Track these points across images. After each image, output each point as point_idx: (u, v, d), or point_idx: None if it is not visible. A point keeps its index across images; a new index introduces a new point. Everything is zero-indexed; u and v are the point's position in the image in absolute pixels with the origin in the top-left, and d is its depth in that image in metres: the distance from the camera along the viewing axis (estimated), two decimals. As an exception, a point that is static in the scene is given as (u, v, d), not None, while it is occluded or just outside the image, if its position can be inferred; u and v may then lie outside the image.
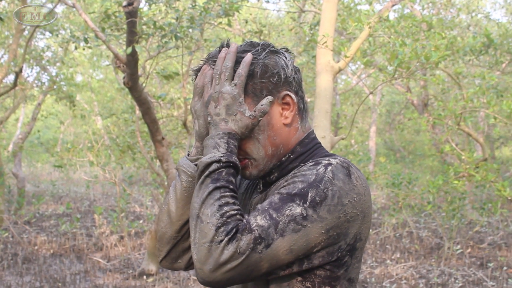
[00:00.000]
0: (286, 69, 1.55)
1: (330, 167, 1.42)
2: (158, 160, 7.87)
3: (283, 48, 1.60)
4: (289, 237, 1.35)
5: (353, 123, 6.74)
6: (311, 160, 1.52)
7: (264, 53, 1.54)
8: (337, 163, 1.44)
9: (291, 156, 1.56)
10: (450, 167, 8.40)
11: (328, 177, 1.40)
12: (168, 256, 1.65)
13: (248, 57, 1.51)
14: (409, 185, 9.65)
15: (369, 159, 15.20)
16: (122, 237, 9.22)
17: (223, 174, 1.41)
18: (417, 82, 12.60)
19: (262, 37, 8.45)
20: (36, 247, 8.75)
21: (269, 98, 1.49)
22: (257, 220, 1.35)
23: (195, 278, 7.22)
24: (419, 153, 21.26)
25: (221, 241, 1.32)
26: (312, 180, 1.40)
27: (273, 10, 9.87)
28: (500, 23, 12.32)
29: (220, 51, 1.56)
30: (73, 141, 21.37)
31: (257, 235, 1.33)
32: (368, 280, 7.25)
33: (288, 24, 11.80)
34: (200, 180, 1.42)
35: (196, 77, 1.60)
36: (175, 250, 1.64)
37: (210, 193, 1.38)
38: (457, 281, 7.17)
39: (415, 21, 7.00)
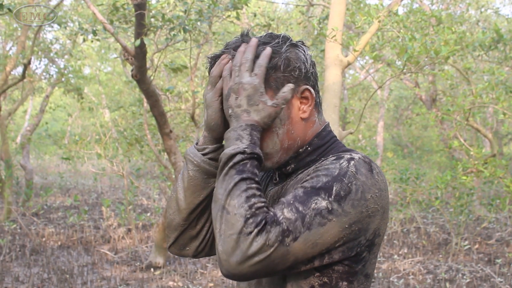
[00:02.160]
0: (306, 63, 1.54)
1: (352, 162, 1.41)
2: (165, 153, 7.88)
3: (299, 41, 1.59)
4: (315, 230, 1.34)
5: (361, 118, 6.72)
6: (331, 155, 1.51)
7: (285, 46, 1.53)
8: (359, 158, 1.43)
9: (309, 148, 1.56)
10: (458, 162, 8.37)
11: (352, 172, 1.39)
12: (176, 242, 1.65)
13: (268, 49, 1.50)
14: (416, 180, 9.63)
15: (377, 154, 15.18)
16: (129, 230, 9.24)
17: (248, 165, 1.39)
18: (425, 77, 12.57)
19: (270, 31, 8.42)
20: (44, 239, 8.78)
21: (290, 85, 1.49)
22: (284, 213, 1.34)
23: (202, 271, 7.23)
24: (427, 149, 21.21)
25: (250, 232, 1.30)
26: (336, 174, 1.39)
27: (282, 3, 9.86)
28: (509, 19, 12.25)
29: (240, 40, 1.55)
30: (81, 133, 21.41)
31: (285, 228, 1.32)
32: (375, 275, 7.24)
33: (296, 18, 11.77)
34: (224, 171, 1.39)
35: (211, 65, 1.59)
36: (183, 238, 1.64)
37: (236, 184, 1.36)
38: (464, 277, 7.15)
39: (424, 16, 6.96)
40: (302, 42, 1.60)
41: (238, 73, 1.49)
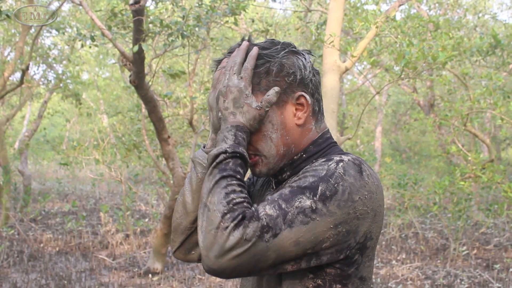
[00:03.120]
0: (303, 70, 1.55)
1: (341, 163, 1.42)
2: (164, 159, 7.87)
3: (305, 50, 1.61)
4: (297, 228, 1.34)
5: (359, 123, 6.73)
6: (322, 157, 1.52)
7: (283, 52, 1.54)
8: (348, 160, 1.44)
9: (304, 155, 1.56)
10: (456, 168, 8.38)
11: (339, 173, 1.40)
12: (181, 247, 1.66)
13: (254, 50, 1.53)
14: (415, 185, 9.63)
15: (375, 159, 15.18)
16: (127, 236, 9.23)
17: (230, 164, 1.41)
18: (423, 82, 12.58)
19: (268, 36, 8.44)
20: (41, 245, 8.76)
21: (276, 88, 1.50)
22: (266, 209, 1.35)
23: (200, 276, 7.23)
24: (425, 154, 21.22)
25: (227, 227, 1.32)
26: (323, 174, 1.40)
27: (280, 9, 9.87)
28: (507, 24, 12.30)
29: (240, 45, 1.58)
30: (79, 139, 21.42)
31: (265, 224, 1.33)
32: (373, 280, 7.22)
33: (294, 24, 11.79)
34: (209, 171, 1.42)
35: (216, 69, 1.62)
36: (189, 242, 1.65)
37: (217, 182, 1.39)
38: (463, 282, 7.15)
39: (422, 21, 6.98)
40: (309, 51, 1.62)
41: (227, 76, 1.51)
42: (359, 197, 1.40)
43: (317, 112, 1.59)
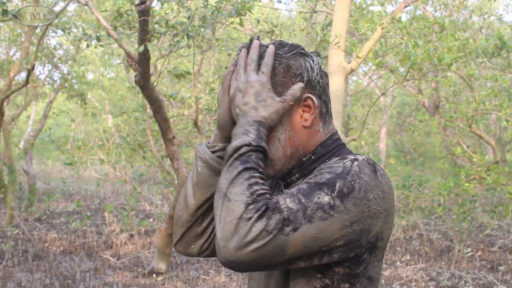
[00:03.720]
0: (310, 72, 1.55)
1: (356, 162, 1.42)
2: (168, 159, 7.88)
3: (314, 52, 1.61)
4: (316, 224, 1.34)
5: (364, 124, 6.73)
6: (328, 155, 1.54)
7: (290, 53, 1.54)
8: (363, 159, 1.44)
9: (312, 157, 1.56)
10: (461, 169, 8.36)
11: (355, 170, 1.40)
12: (181, 240, 1.66)
13: (271, 48, 1.53)
14: (419, 187, 9.62)
15: (379, 160, 15.17)
16: (132, 236, 9.24)
17: (253, 157, 1.40)
18: (428, 84, 12.57)
19: (273, 37, 8.44)
20: (46, 244, 8.78)
21: (300, 84, 1.50)
22: (287, 202, 1.34)
23: (204, 277, 7.23)
24: (429, 155, 21.19)
25: (250, 218, 1.30)
26: (339, 171, 1.40)
27: (285, 10, 9.88)
28: (513, 26, 12.26)
29: (250, 44, 1.57)
30: (84, 139, 21.42)
31: (286, 216, 1.32)
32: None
33: (299, 25, 11.79)
34: (229, 162, 1.40)
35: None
36: (189, 235, 1.64)
37: (239, 173, 1.37)
38: (467, 284, 7.14)
39: (428, 23, 6.97)
40: (318, 53, 1.62)
41: (244, 73, 1.51)
42: (374, 196, 1.40)
43: (324, 114, 1.59)
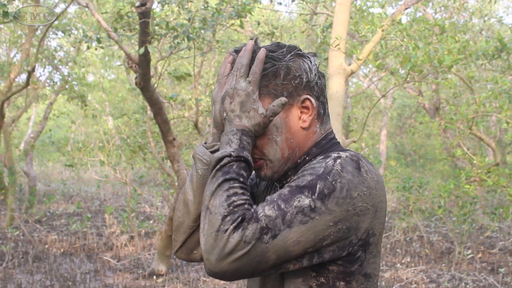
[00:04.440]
0: (309, 73, 1.55)
1: (339, 160, 1.42)
2: (169, 161, 7.88)
3: (310, 53, 1.61)
4: (296, 228, 1.35)
5: (364, 126, 6.74)
6: (321, 155, 1.53)
7: (289, 55, 1.54)
8: (346, 156, 1.44)
9: (307, 158, 1.56)
10: (461, 171, 8.36)
11: (337, 170, 1.40)
12: (183, 246, 1.65)
13: (262, 53, 1.52)
14: (419, 189, 9.62)
15: (380, 162, 15.18)
16: (132, 237, 9.24)
17: (234, 167, 1.42)
18: (428, 86, 12.57)
19: (273, 39, 8.45)
20: (46, 246, 8.78)
21: (282, 99, 1.49)
22: (265, 210, 1.35)
23: (205, 279, 7.23)
24: (430, 157, 21.19)
25: (227, 230, 1.32)
26: (320, 172, 1.40)
27: (285, 12, 9.88)
28: (513, 28, 12.24)
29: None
30: (84, 140, 21.43)
31: (264, 225, 1.33)
32: (378, 282, 7.21)
33: (300, 26, 11.80)
34: (212, 174, 1.43)
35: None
36: (191, 241, 1.64)
37: (219, 184, 1.39)
38: (467, 286, 7.13)
39: (428, 25, 6.98)
40: (314, 53, 1.62)
41: (234, 77, 1.52)
42: (358, 193, 1.40)
43: (322, 115, 1.59)
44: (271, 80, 1.52)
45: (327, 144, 1.59)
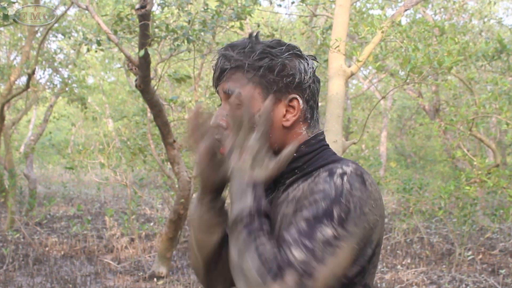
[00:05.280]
0: (303, 74, 1.54)
1: (345, 177, 1.41)
2: (169, 163, 7.88)
3: (310, 56, 1.60)
4: (329, 262, 1.34)
5: (364, 128, 6.74)
6: (323, 169, 1.49)
7: (287, 53, 1.54)
8: (351, 171, 1.42)
9: (295, 154, 1.55)
10: (461, 172, 8.36)
11: (347, 189, 1.39)
12: (204, 283, 1.68)
13: (269, 103, 1.51)
14: (420, 190, 9.62)
15: (380, 164, 15.18)
16: (132, 239, 9.23)
17: (255, 219, 1.40)
18: (428, 87, 12.57)
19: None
20: (47, 248, 8.78)
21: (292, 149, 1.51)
22: (294, 254, 1.33)
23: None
24: (430, 159, 21.19)
25: (266, 283, 1.31)
26: (333, 195, 1.38)
27: (285, 14, 9.88)
28: (512, 29, 12.26)
29: (247, 42, 1.55)
30: (84, 143, 21.40)
31: (301, 272, 1.31)
32: (378, 285, 7.22)
33: (300, 28, 11.81)
34: (234, 231, 1.42)
35: (218, 60, 1.60)
36: (210, 278, 1.66)
37: (245, 240, 1.38)
38: (468, 288, 7.14)
39: (428, 26, 6.98)
40: (314, 57, 1.61)
41: (238, 131, 1.50)
42: (368, 208, 1.40)
43: (309, 119, 1.58)
44: (265, 73, 1.51)
45: (317, 145, 1.57)
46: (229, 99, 1.54)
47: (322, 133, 1.62)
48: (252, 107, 1.51)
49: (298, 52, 1.56)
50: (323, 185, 1.42)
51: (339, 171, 1.43)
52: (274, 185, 1.61)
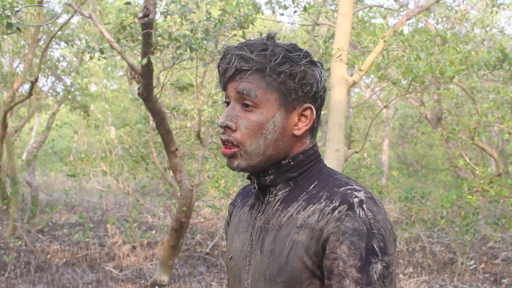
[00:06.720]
0: (319, 84, 1.53)
1: (364, 205, 1.41)
2: (171, 171, 7.89)
3: (319, 62, 1.58)
4: None
5: (367, 137, 6.75)
6: (331, 193, 1.47)
7: (305, 60, 1.51)
8: (365, 197, 1.43)
9: (292, 162, 1.54)
10: (464, 181, 8.36)
11: (372, 217, 1.40)
12: None
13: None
14: (422, 199, 9.61)
15: (382, 172, 15.16)
16: (134, 247, 9.23)
17: None
18: (430, 96, 12.58)
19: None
20: (49, 256, 8.78)
21: None
22: None
23: (206, 289, 7.22)
24: (432, 167, 21.19)
25: None
26: (365, 231, 1.38)
27: (287, 23, 9.89)
28: (515, 38, 12.29)
29: (263, 42, 1.51)
30: (87, 150, 21.47)
31: None
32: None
33: (302, 37, 11.83)
34: None
35: (232, 58, 1.53)
36: None
37: None
38: (470, 297, 7.12)
39: (430, 35, 6.99)
40: (321, 63, 1.59)
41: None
42: (389, 224, 1.43)
43: (315, 128, 1.58)
44: (286, 79, 1.49)
45: (313, 156, 1.57)
46: (245, 101, 1.51)
47: (316, 143, 1.61)
48: (267, 113, 1.49)
49: (313, 59, 1.55)
50: (351, 223, 1.40)
51: (355, 200, 1.42)
52: (262, 193, 1.60)
